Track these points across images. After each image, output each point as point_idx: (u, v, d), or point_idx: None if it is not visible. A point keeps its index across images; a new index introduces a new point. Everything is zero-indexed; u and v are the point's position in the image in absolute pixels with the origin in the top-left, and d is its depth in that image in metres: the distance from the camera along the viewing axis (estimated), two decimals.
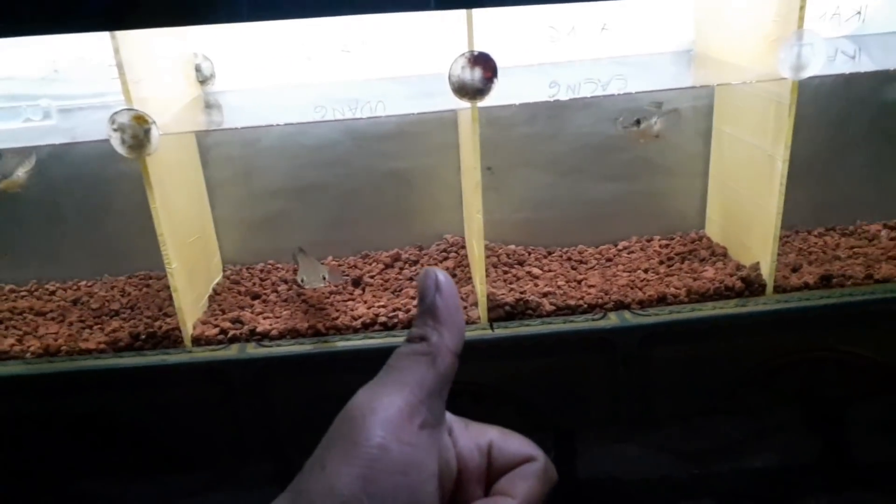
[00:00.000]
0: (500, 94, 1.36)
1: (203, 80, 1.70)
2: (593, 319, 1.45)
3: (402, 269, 1.75)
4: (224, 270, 1.77)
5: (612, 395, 1.47)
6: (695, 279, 1.56)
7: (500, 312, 1.49)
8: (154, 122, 1.31)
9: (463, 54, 1.31)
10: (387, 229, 1.83)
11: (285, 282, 1.70)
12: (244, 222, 1.78)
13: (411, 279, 1.69)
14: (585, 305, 1.49)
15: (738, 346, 1.47)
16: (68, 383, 1.41)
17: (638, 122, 1.50)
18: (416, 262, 1.76)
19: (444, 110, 1.73)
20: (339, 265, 1.79)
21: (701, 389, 1.49)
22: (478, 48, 1.30)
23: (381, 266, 1.75)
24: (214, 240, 1.75)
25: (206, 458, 1.51)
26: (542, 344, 1.43)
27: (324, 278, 1.45)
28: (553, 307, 1.49)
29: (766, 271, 1.51)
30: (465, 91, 1.33)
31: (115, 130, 1.31)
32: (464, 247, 1.79)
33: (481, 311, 1.49)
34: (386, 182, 1.79)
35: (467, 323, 1.49)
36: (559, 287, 1.58)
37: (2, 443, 1.46)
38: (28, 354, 1.46)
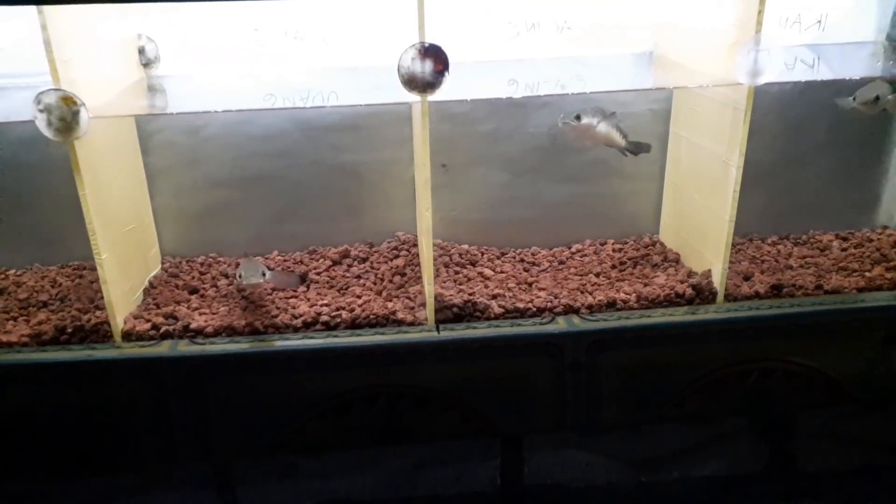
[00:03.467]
0: (456, 89, 1.32)
1: (147, 63, 1.62)
2: (541, 323, 1.41)
3: (350, 266, 1.69)
4: (163, 262, 1.69)
5: (559, 400, 1.43)
6: (645, 285, 1.54)
7: (448, 314, 1.45)
8: (83, 104, 1.24)
9: (413, 45, 1.26)
10: (336, 224, 1.77)
11: (226, 276, 1.64)
12: (186, 213, 1.70)
13: (359, 277, 1.64)
14: (534, 309, 1.46)
15: (687, 354, 1.45)
16: None
17: (578, 118, 1.46)
18: (365, 260, 1.71)
19: (399, 103, 1.69)
20: (285, 260, 1.72)
21: (650, 397, 1.46)
22: (433, 41, 1.26)
23: (328, 262, 1.70)
24: (153, 230, 1.67)
25: (134, 460, 1.44)
26: (488, 347, 1.39)
27: (263, 275, 1.39)
28: (502, 310, 1.45)
29: (718, 279, 1.50)
30: (415, 84, 1.28)
31: (40, 111, 1.23)
32: (415, 245, 1.75)
33: (429, 313, 1.44)
34: (336, 176, 1.73)
35: (414, 324, 1.44)
36: (509, 289, 1.54)
37: None
38: None
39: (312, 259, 1.72)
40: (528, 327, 1.40)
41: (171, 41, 1.62)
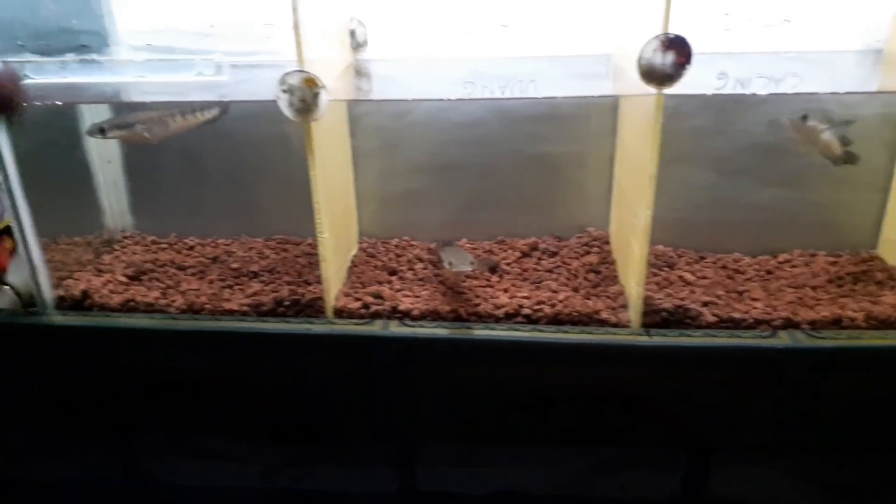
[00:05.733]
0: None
1: (356, 47, 1.66)
2: (762, 337, 1.33)
3: (539, 259, 1.67)
4: (360, 243, 1.74)
5: (772, 418, 1.35)
6: (874, 303, 1.42)
7: (656, 318, 1.39)
8: (324, 87, 1.27)
9: (657, 36, 1.20)
10: (525, 216, 1.74)
11: (421, 260, 1.65)
12: (383, 195, 1.74)
13: (551, 271, 1.61)
14: (751, 320, 1.38)
15: None
16: (212, 342, 1.41)
17: (805, 118, 1.37)
18: (555, 254, 1.68)
19: (603, 95, 1.65)
20: (474, 248, 1.72)
21: (874, 424, 1.35)
22: (677, 32, 1.20)
23: (517, 254, 1.68)
24: (355, 211, 1.72)
25: (331, 430, 1.48)
26: (703, 357, 1.32)
27: (471, 263, 1.39)
28: (715, 318, 1.38)
29: None
30: (653, 76, 1.23)
31: (284, 92, 1.27)
32: (608, 242, 1.70)
33: (633, 315, 1.39)
34: (530, 166, 1.70)
35: (615, 325, 1.40)
36: (719, 297, 1.46)
37: (139, 394, 1.47)
38: (172, 309, 1.47)
39: (501, 249, 1.71)
40: (748, 339, 1.32)
41: (375, 24, 1.64)
